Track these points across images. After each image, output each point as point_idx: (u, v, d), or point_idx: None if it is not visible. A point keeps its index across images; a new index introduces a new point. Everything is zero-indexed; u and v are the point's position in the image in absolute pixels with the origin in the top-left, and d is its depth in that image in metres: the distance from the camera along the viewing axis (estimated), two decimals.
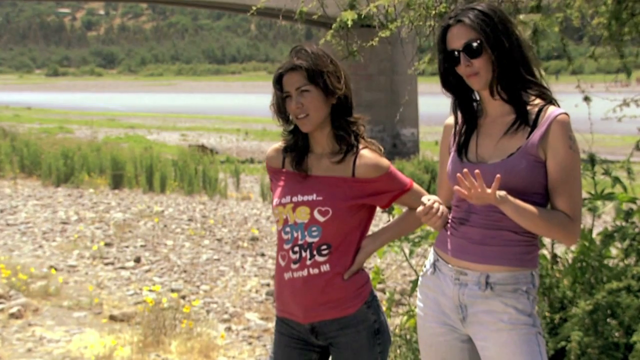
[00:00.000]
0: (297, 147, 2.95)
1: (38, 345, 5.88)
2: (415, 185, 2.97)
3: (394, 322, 5.32)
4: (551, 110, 2.61)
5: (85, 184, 15.61)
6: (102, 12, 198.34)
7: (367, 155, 2.90)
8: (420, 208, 2.68)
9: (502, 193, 2.50)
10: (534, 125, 2.61)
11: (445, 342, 2.77)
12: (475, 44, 2.60)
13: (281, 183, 2.98)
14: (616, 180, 4.78)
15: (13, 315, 6.49)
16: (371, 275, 4.26)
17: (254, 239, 10.35)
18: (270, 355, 3.04)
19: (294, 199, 2.90)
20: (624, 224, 4.57)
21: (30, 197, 13.93)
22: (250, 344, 6.15)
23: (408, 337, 4.57)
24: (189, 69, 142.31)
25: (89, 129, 32.06)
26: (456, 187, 2.54)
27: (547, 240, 4.48)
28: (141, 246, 9.81)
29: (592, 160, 4.84)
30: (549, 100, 2.66)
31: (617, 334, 4.13)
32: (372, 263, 8.11)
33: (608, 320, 4.16)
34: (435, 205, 2.66)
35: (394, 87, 27.30)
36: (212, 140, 30.30)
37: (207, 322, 6.43)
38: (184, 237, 10.47)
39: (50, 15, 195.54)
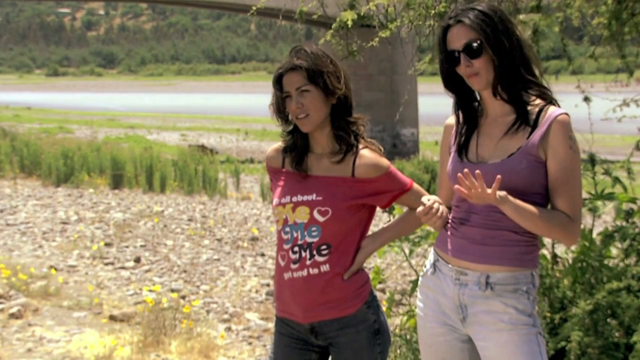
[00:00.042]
0: (297, 147, 2.95)
1: (38, 345, 5.87)
2: (415, 185, 2.96)
3: (394, 322, 5.31)
4: (551, 111, 2.61)
5: (85, 184, 15.60)
6: (102, 12, 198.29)
7: (367, 155, 2.89)
8: (420, 208, 2.68)
9: (502, 193, 2.50)
10: (534, 126, 2.61)
11: (446, 342, 2.77)
12: (475, 44, 2.60)
13: (281, 183, 2.98)
14: (616, 180, 4.77)
15: (13, 315, 6.49)
16: (371, 275, 4.26)
17: (253, 239, 10.35)
18: (270, 355, 3.04)
19: (294, 199, 2.89)
20: (624, 224, 4.57)
21: (30, 197, 13.92)
22: (250, 344, 6.15)
23: (408, 337, 4.57)
24: (188, 69, 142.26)
25: (89, 129, 32.07)
26: (457, 187, 2.54)
27: (547, 241, 4.48)
28: (141, 246, 9.81)
29: (592, 160, 4.84)
30: (550, 101, 2.65)
31: (617, 334, 4.13)
32: (372, 263, 8.11)
33: (608, 320, 4.16)
34: (435, 205, 2.66)
35: (394, 87, 27.30)
36: (212, 140, 30.29)
37: (207, 322, 6.43)
38: (183, 237, 10.47)
39: (50, 15, 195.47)
